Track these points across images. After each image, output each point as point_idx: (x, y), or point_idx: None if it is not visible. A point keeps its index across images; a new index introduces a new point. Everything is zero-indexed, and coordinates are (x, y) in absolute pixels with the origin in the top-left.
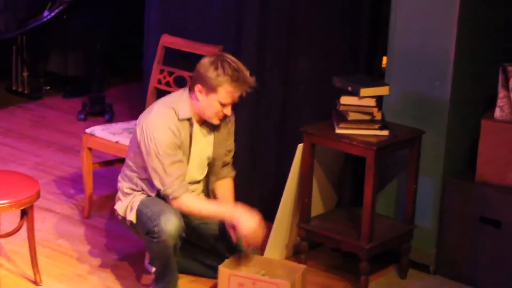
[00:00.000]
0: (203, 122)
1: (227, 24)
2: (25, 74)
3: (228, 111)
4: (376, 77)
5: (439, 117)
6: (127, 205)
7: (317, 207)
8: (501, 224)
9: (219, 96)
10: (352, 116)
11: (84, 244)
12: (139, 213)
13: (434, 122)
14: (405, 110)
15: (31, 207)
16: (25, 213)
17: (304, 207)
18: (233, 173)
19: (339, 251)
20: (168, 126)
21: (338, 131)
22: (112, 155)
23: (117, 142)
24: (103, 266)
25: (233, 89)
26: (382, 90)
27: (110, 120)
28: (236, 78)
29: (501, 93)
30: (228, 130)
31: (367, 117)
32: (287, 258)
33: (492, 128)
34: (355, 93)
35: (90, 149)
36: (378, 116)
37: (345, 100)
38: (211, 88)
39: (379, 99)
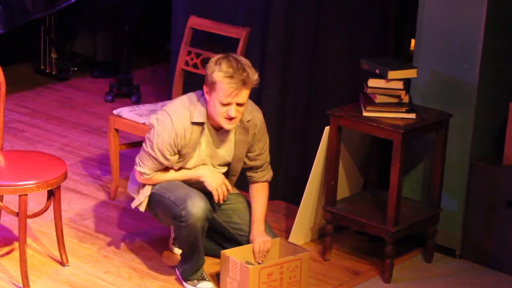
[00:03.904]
0: (222, 128)
1: (255, 6)
2: (53, 55)
3: (232, 112)
4: (404, 59)
5: (467, 100)
6: (138, 190)
7: (343, 190)
8: None
9: (218, 95)
10: (379, 99)
11: (110, 225)
12: (159, 198)
13: (462, 105)
14: (432, 93)
15: (58, 188)
16: (52, 194)
17: (330, 190)
18: (267, 177)
19: (364, 234)
20: (175, 127)
21: (365, 113)
22: (138, 136)
23: (144, 123)
24: (129, 247)
25: (227, 86)
26: (410, 73)
27: (137, 102)
28: (230, 75)
29: None
30: (253, 137)
31: (394, 100)
32: (312, 241)
33: None
34: (383, 76)
35: (117, 130)
36: (405, 99)
37: (372, 82)
38: (211, 87)
39: (407, 82)
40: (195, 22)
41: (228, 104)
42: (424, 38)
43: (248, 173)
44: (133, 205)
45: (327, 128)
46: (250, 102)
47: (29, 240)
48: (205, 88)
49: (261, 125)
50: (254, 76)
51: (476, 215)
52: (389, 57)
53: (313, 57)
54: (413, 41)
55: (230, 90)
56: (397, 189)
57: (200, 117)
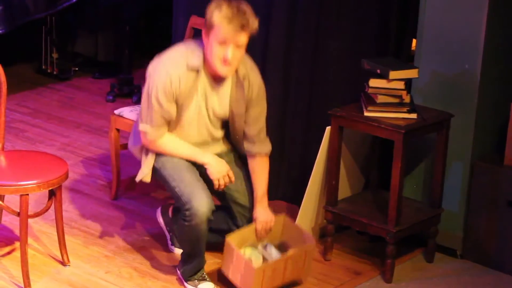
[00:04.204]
0: (218, 78)
1: (256, 5)
2: (54, 55)
3: (228, 54)
4: (405, 59)
5: (468, 101)
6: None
7: (344, 190)
8: None
9: (215, 35)
10: (380, 99)
11: (112, 225)
12: (164, 181)
13: (463, 106)
14: (434, 93)
15: (59, 187)
16: (53, 194)
17: (331, 190)
18: (265, 150)
19: (365, 234)
20: (170, 74)
21: (366, 114)
22: None
23: None
24: (130, 247)
25: (226, 28)
26: (411, 73)
27: (138, 102)
28: (229, 18)
29: None
30: (250, 97)
31: (395, 100)
32: None
33: None
34: (384, 76)
35: (118, 130)
36: (406, 99)
37: (374, 82)
38: (209, 28)
39: (408, 82)
40: (196, 22)
41: (225, 45)
42: (425, 38)
43: (246, 145)
44: (138, 179)
45: (328, 128)
46: (250, 61)
47: (30, 240)
48: (203, 32)
49: (259, 90)
50: (254, 22)
51: (477, 215)
52: (390, 57)
53: (314, 57)
54: (414, 41)
55: (228, 32)
56: (398, 189)
57: (196, 61)
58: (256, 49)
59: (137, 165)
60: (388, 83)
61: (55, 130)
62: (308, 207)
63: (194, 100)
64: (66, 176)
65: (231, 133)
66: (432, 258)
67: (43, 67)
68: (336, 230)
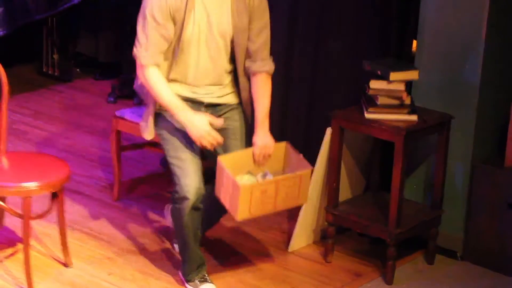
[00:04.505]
0: None
1: None
2: (55, 56)
3: None
4: (406, 61)
5: (468, 102)
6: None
7: (345, 192)
8: None
9: None
10: (381, 100)
11: (114, 226)
12: (162, 143)
13: (464, 107)
14: (434, 95)
15: (62, 189)
16: (56, 196)
17: (332, 192)
18: (267, 68)
19: (366, 236)
20: None
21: (367, 115)
22: (141, 138)
23: None
24: (132, 248)
25: None
26: (412, 75)
27: (139, 103)
28: None
29: None
30: (253, 6)
31: (396, 102)
32: (315, 242)
33: None
34: (384, 77)
35: (119, 131)
36: (407, 100)
37: (374, 84)
38: None
39: (409, 84)
40: None
41: None
42: (426, 39)
43: (247, 64)
44: (143, 134)
45: (328, 130)
46: None
47: (33, 242)
48: None
49: (260, 5)
50: None
51: (477, 217)
52: (390, 58)
53: (315, 58)
54: (414, 42)
55: None
56: (399, 191)
57: None
58: None
59: (139, 166)
60: (389, 85)
61: (57, 132)
62: (309, 209)
63: (192, 17)
64: (68, 177)
65: (237, 64)
66: (432, 260)
67: (44, 68)
68: (337, 231)
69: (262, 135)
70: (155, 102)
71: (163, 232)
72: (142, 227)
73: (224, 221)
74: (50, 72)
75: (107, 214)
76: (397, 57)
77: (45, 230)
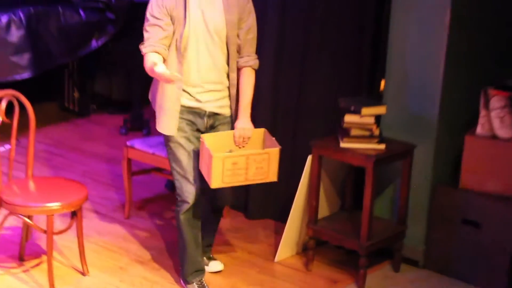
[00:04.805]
0: None
1: None
2: (75, 94)
3: None
4: (375, 98)
5: (428, 133)
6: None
7: (323, 210)
8: (480, 225)
9: None
10: (354, 132)
11: (125, 240)
12: (166, 150)
13: (424, 137)
14: (399, 127)
15: (80, 208)
16: (75, 214)
17: (312, 210)
18: (251, 63)
19: (342, 248)
20: None
21: (342, 145)
22: (149, 164)
23: (153, 153)
24: (141, 259)
25: None
26: (380, 110)
27: (148, 134)
28: None
29: (482, 112)
30: (242, 5)
31: (367, 133)
32: (298, 253)
33: (474, 143)
34: (357, 112)
35: (130, 159)
36: (376, 132)
37: (348, 118)
38: None
39: (378, 117)
40: None
41: None
42: (392, 80)
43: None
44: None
45: (310, 157)
46: None
47: (55, 254)
48: None
49: (247, 4)
50: None
51: (436, 231)
52: (362, 96)
53: (299, 94)
54: (383, 82)
55: None
56: (369, 209)
57: None
58: None
59: (147, 188)
60: (361, 119)
61: (76, 159)
62: (293, 225)
63: (188, 15)
64: (85, 198)
65: (229, 59)
66: (398, 268)
67: (66, 104)
68: (317, 244)
69: (243, 120)
70: (164, 104)
71: (168, 246)
72: (149, 241)
73: (219, 236)
74: (71, 108)
75: (119, 230)
76: (368, 95)
77: (65, 244)
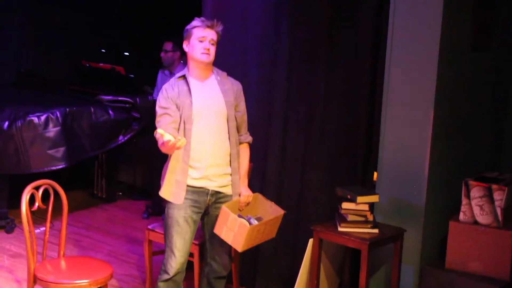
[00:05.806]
0: (203, 77)
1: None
2: (103, 182)
3: (207, 44)
4: (369, 187)
5: (417, 219)
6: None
7: (324, 287)
8: None
9: (194, 36)
10: (351, 217)
11: None
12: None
13: (413, 223)
14: (390, 213)
15: (106, 285)
16: None
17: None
18: (248, 139)
19: None
20: (165, 87)
21: (340, 229)
22: None
23: None
24: None
25: (199, 27)
26: (374, 198)
27: None
28: (200, 21)
29: (464, 201)
30: (236, 91)
31: (362, 219)
32: None
33: (457, 228)
34: (353, 200)
35: (151, 240)
36: (370, 218)
37: (345, 205)
38: (189, 35)
39: (372, 205)
40: None
41: (203, 39)
42: (384, 171)
43: None
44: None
45: (311, 240)
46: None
47: None
48: (184, 44)
49: (241, 91)
50: (218, 25)
51: None
52: (358, 186)
53: (301, 184)
54: (375, 173)
55: (202, 29)
56: (365, 287)
57: (181, 73)
58: (254, 176)
59: None
60: (356, 206)
61: (103, 240)
62: None
63: (192, 101)
64: (111, 276)
65: (230, 136)
66: None
67: (95, 192)
68: None
69: (245, 188)
70: (173, 177)
71: None
72: None
73: None
74: (99, 194)
75: None
76: (362, 185)
77: None
